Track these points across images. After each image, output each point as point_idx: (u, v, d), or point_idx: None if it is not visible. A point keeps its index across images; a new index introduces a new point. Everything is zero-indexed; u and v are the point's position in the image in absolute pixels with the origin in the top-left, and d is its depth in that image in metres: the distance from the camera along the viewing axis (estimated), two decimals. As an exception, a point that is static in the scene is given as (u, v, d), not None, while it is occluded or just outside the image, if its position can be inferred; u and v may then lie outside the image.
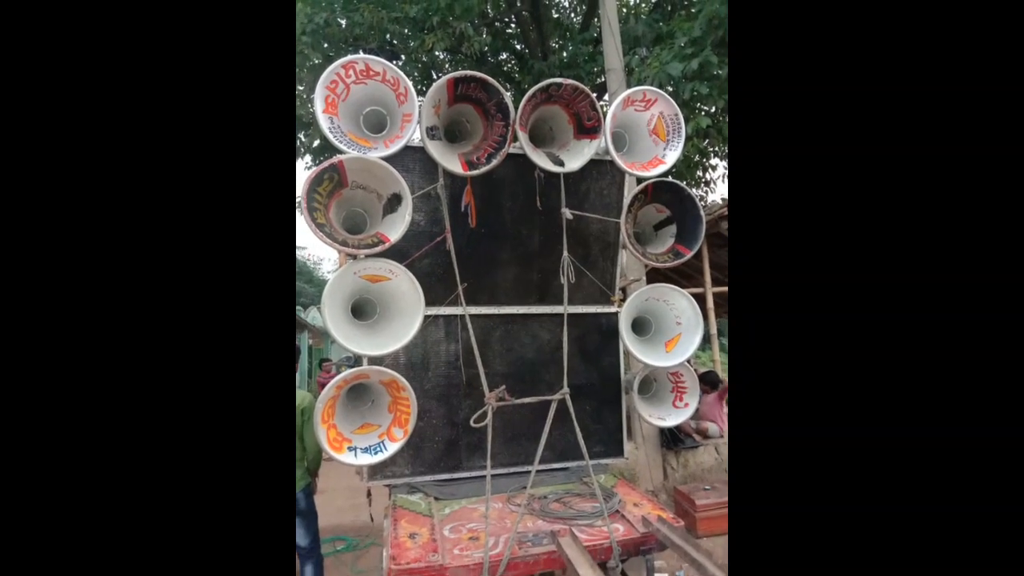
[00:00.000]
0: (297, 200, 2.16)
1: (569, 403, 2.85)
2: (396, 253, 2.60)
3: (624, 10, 11.22)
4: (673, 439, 6.22)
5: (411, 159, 3.01)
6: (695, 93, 6.61)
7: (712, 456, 6.33)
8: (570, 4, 12.61)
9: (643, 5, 11.84)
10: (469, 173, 2.66)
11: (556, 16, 12.00)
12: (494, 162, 2.65)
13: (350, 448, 2.56)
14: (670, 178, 3.00)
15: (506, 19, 11.61)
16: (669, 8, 10.02)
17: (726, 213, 7.03)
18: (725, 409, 6.74)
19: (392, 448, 2.62)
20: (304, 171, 10.37)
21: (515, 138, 2.67)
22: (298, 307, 18.74)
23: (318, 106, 2.51)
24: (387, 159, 2.51)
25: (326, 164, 2.41)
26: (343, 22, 8.76)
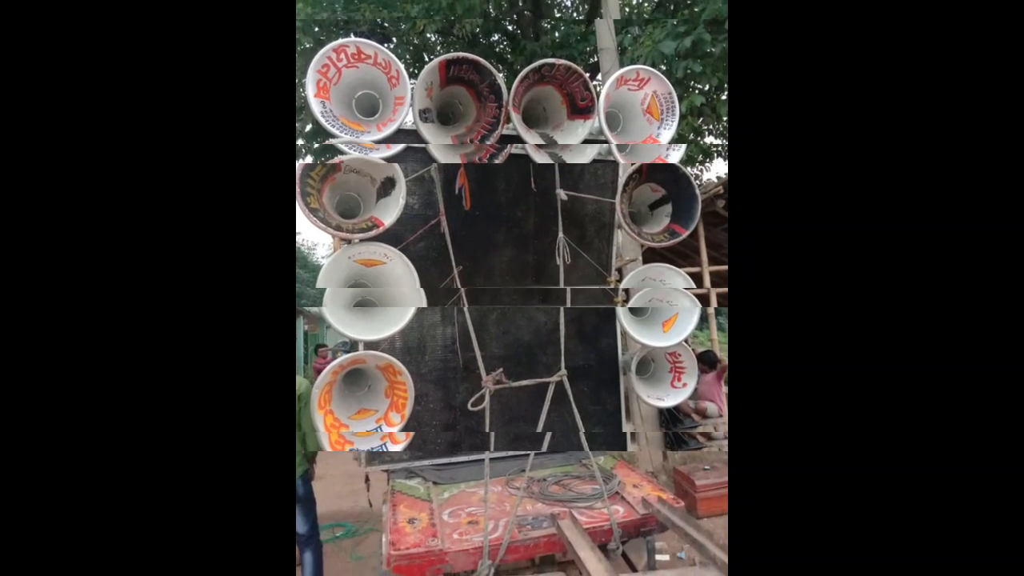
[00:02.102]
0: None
1: (567, 385, 2.83)
2: (391, 237, 2.58)
3: (627, 10, 11.05)
4: (672, 419, 6.19)
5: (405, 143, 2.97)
6: (688, 71, 6.54)
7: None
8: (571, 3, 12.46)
9: (645, 4, 11.67)
10: (464, 162, 2.64)
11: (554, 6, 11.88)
12: (498, 160, 2.63)
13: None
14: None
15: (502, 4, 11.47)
16: (672, 7, 9.90)
17: (722, 191, 6.98)
18: (724, 388, 6.71)
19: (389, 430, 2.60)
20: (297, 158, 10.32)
21: (508, 119, 2.64)
22: (293, 293, 18.58)
23: (310, 90, 2.48)
24: (380, 141, 2.49)
25: (328, 164, 2.43)
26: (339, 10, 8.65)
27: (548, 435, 2.80)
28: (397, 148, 2.60)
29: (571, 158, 2.88)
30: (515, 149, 2.68)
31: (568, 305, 3.06)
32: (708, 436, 6.37)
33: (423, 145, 2.62)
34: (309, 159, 10.63)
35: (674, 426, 6.19)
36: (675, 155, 2.97)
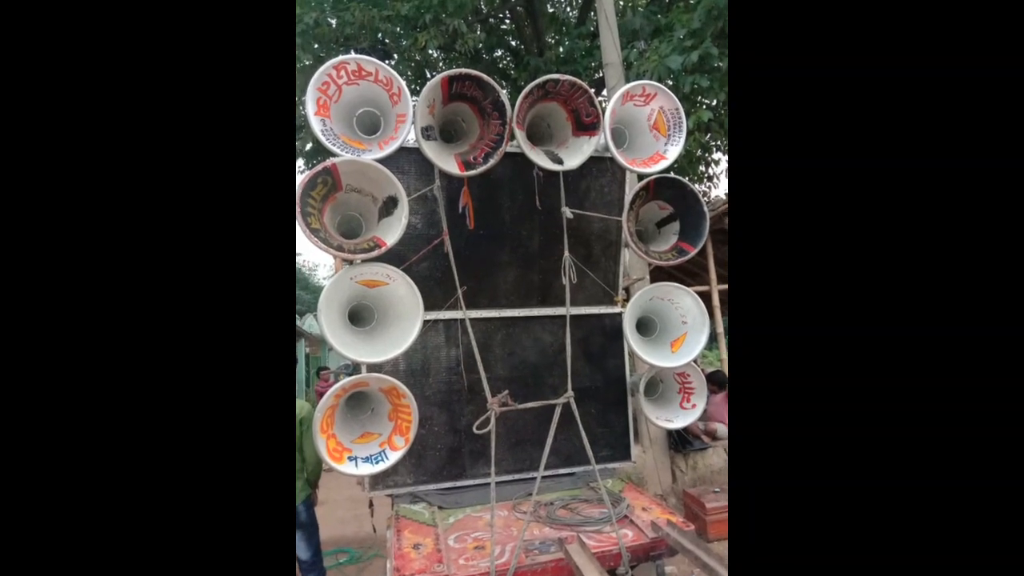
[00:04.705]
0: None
1: (574, 407, 2.78)
2: (393, 257, 2.54)
3: (621, 3, 11.13)
4: (681, 441, 6.14)
5: (406, 161, 2.95)
6: (695, 86, 6.51)
7: (721, 458, 6.19)
8: None
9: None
10: (466, 174, 2.60)
11: (551, 11, 11.89)
12: (491, 162, 2.59)
13: (350, 458, 2.50)
14: (672, 174, 2.93)
15: (500, 15, 11.51)
16: (667, 0, 9.91)
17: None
18: None
19: (394, 457, 2.56)
20: (297, 175, 10.32)
21: (512, 137, 2.61)
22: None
23: (310, 108, 2.45)
24: (382, 161, 2.45)
25: (319, 168, 2.36)
26: (333, 22, 8.66)
27: (553, 458, 2.74)
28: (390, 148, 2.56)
29: (567, 155, 2.85)
30: (510, 148, 2.64)
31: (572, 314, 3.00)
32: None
33: (414, 145, 2.59)
34: None
35: (683, 448, 6.13)
36: (673, 150, 2.94)
